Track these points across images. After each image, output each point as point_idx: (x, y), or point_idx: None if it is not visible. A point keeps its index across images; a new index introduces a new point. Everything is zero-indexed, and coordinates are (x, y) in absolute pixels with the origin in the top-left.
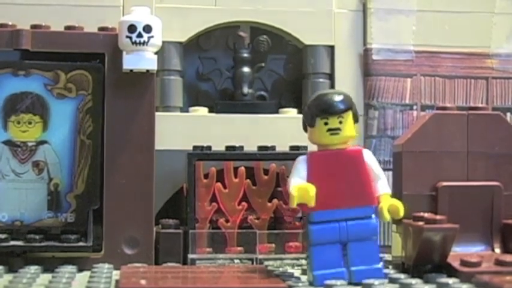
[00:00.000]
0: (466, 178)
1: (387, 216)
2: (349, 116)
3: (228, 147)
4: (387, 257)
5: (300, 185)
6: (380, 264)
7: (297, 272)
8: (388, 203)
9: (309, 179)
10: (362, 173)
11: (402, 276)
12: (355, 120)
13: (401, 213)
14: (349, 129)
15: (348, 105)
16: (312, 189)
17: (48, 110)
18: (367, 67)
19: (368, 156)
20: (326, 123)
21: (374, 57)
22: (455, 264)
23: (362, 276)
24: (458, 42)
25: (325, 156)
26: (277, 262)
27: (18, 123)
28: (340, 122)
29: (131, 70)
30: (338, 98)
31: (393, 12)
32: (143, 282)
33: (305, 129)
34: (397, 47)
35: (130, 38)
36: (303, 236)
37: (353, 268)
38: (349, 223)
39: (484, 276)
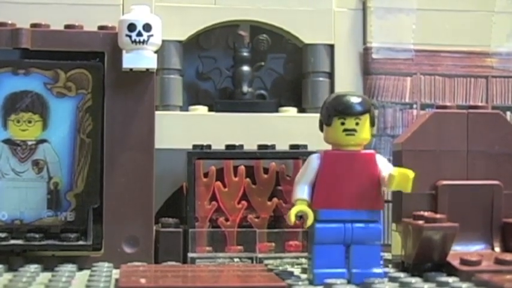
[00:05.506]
0: (466, 177)
1: (397, 178)
2: (366, 118)
3: (227, 146)
4: (387, 255)
5: (297, 209)
6: (381, 269)
7: (296, 271)
8: (398, 170)
9: (320, 177)
10: (372, 177)
11: (402, 275)
12: (372, 123)
13: (410, 185)
14: (365, 132)
15: (366, 108)
16: (309, 212)
17: (48, 109)
18: (367, 66)
19: (380, 160)
20: (343, 123)
21: (374, 56)
22: (455, 263)
23: (362, 279)
24: (458, 41)
25: (339, 156)
26: (277, 261)
27: (18, 122)
28: (357, 124)
29: (131, 69)
30: (357, 99)
31: (393, 10)
32: (143, 281)
33: (321, 129)
34: (397, 46)
35: (130, 36)
36: (306, 234)
37: (354, 270)
38: (354, 225)
39: (483, 275)
